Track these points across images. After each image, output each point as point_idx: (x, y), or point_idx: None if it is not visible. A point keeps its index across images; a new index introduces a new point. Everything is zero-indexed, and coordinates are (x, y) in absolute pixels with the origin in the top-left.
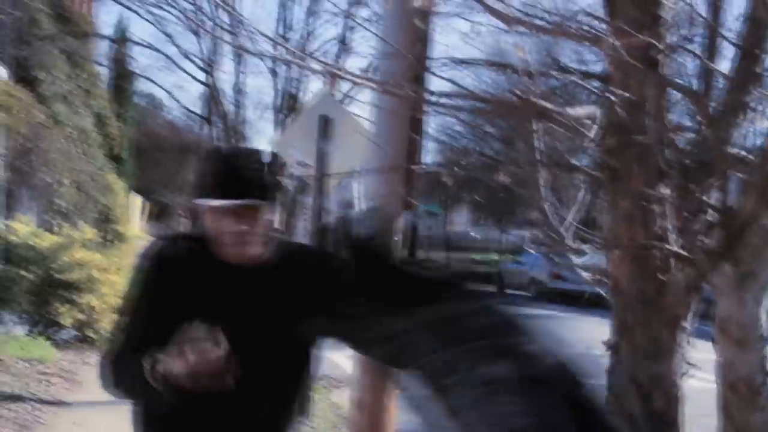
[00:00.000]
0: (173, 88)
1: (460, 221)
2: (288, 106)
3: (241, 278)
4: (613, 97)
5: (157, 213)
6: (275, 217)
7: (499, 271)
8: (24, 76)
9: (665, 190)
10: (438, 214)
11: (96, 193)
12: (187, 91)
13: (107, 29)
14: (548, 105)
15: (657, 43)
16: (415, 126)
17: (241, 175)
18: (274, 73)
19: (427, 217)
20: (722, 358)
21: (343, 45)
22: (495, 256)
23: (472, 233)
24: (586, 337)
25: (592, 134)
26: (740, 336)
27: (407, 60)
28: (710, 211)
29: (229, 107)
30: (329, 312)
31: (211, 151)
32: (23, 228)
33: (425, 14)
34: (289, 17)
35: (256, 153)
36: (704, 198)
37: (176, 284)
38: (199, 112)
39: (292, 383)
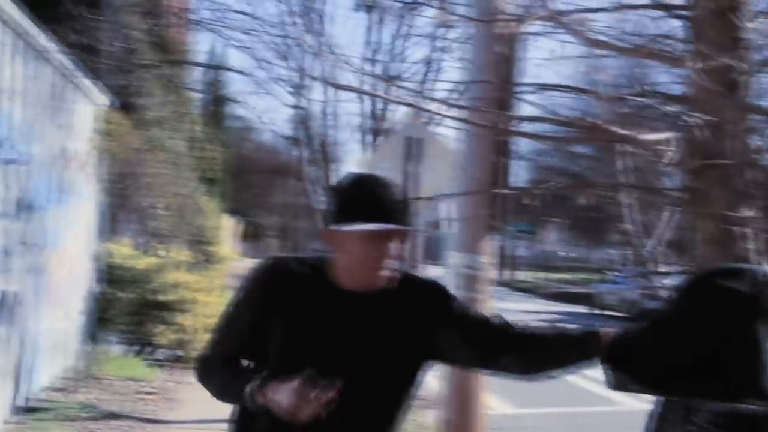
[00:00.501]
0: (265, 111)
1: (551, 240)
2: (376, 127)
3: (359, 305)
4: (693, 120)
5: (250, 234)
6: (407, 245)
7: (592, 292)
8: (123, 103)
9: (748, 212)
10: (529, 233)
11: (190, 216)
12: (279, 114)
13: (202, 56)
14: (626, 131)
15: (737, 65)
16: (502, 146)
17: (386, 202)
18: (360, 95)
19: (518, 236)
20: None
21: (430, 67)
22: (586, 276)
23: (563, 252)
24: None
25: (670, 157)
26: None
27: (492, 85)
28: None
29: (318, 130)
30: (441, 339)
31: (348, 179)
32: (121, 250)
33: (510, 40)
34: (376, 38)
35: (391, 181)
36: None
37: (287, 305)
38: (289, 134)
39: (395, 409)
